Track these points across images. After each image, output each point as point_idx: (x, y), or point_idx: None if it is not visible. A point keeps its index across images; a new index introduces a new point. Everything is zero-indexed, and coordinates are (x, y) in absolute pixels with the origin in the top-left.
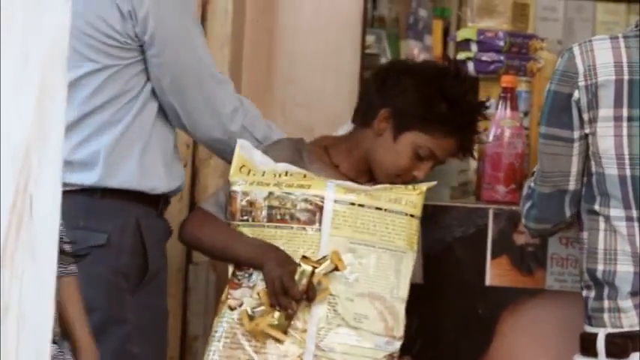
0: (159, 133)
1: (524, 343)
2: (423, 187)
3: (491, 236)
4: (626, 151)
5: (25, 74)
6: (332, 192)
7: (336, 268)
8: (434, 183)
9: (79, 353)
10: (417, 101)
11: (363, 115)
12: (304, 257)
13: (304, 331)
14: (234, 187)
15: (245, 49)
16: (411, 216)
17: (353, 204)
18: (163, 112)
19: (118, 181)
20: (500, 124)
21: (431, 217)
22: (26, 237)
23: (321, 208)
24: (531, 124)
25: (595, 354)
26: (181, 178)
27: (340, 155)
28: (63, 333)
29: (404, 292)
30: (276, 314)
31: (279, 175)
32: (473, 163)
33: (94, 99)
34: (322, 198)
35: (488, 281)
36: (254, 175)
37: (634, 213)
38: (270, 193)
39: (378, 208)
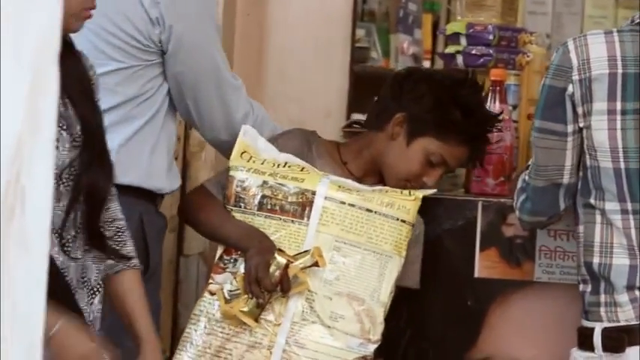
0: (166, 132)
1: (513, 334)
2: (420, 194)
3: (479, 228)
4: (620, 145)
5: (17, 69)
6: (324, 188)
7: (316, 264)
8: (433, 191)
9: (142, 346)
10: (432, 108)
11: (377, 118)
12: (280, 250)
13: (278, 324)
14: (232, 173)
15: (236, 42)
16: (403, 221)
17: (343, 202)
18: (171, 112)
19: (128, 179)
20: None
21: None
22: (18, 229)
23: (311, 203)
24: (520, 117)
25: (592, 348)
26: (179, 177)
27: (350, 154)
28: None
29: (385, 296)
30: (249, 301)
31: (278, 165)
32: None
33: (110, 98)
34: (313, 193)
35: (477, 273)
36: (253, 162)
37: (629, 206)
38: (265, 182)
39: (368, 210)
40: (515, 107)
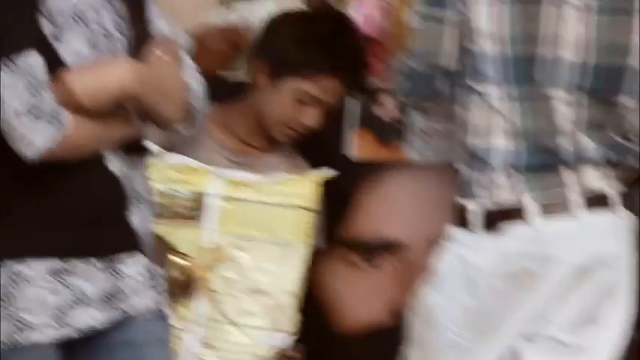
0: None
1: (385, 214)
2: (318, 177)
3: (354, 109)
4: (500, 30)
5: None
6: (219, 187)
7: (219, 261)
8: (330, 172)
9: None
10: (286, 47)
11: (249, 76)
12: (182, 253)
13: (182, 330)
14: None
15: None
16: (303, 208)
17: (239, 199)
18: None
19: None
20: (365, 2)
21: None
22: None
23: (207, 205)
24: (396, 1)
25: (470, 227)
26: None
27: (236, 121)
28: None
29: (293, 285)
30: None
31: (167, 170)
32: None
33: None
34: (207, 195)
35: (350, 154)
36: None
37: (509, 90)
38: (157, 190)
39: (266, 203)
40: None
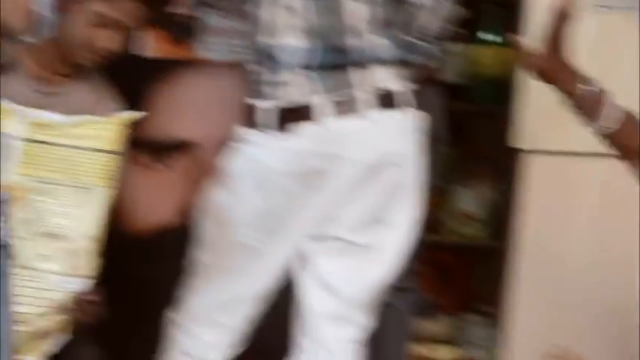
0: None
1: (177, 113)
2: (121, 119)
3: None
4: None
5: None
6: (20, 128)
7: (16, 204)
8: (138, 114)
9: None
10: None
11: None
12: None
13: None
14: None
15: None
16: (105, 151)
17: (40, 141)
18: None
19: None
20: None
21: None
22: None
23: (6, 146)
24: None
25: (260, 126)
26: None
27: (47, 49)
28: None
29: (91, 229)
30: None
31: None
32: None
33: None
34: (8, 135)
35: (143, 53)
36: None
37: None
38: None
39: (67, 146)
40: None
